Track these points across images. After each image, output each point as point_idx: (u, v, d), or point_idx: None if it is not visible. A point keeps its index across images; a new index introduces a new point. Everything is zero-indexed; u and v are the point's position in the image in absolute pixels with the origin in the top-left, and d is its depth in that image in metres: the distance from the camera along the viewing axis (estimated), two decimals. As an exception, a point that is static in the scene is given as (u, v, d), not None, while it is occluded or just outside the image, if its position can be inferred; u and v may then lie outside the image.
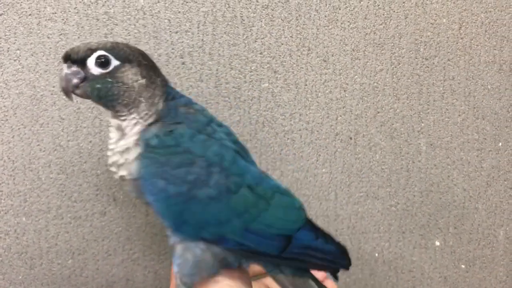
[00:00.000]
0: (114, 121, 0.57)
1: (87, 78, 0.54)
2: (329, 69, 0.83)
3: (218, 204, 0.53)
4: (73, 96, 0.56)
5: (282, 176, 0.84)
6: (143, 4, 0.76)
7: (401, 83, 0.86)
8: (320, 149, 0.85)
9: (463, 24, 0.88)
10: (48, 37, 0.74)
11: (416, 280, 0.91)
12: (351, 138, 0.86)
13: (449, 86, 0.88)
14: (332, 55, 0.83)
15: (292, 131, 0.84)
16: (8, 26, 0.73)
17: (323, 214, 0.86)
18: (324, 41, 0.83)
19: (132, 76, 0.55)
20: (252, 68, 0.81)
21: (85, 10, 0.75)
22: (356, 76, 0.85)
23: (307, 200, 0.85)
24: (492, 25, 0.89)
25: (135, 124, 0.55)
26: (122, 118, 0.56)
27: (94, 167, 0.77)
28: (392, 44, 0.85)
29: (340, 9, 0.83)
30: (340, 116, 0.85)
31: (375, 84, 0.85)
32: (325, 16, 0.82)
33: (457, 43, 0.88)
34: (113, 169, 0.56)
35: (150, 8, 0.77)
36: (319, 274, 0.65)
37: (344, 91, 0.84)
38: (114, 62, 0.54)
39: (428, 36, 0.86)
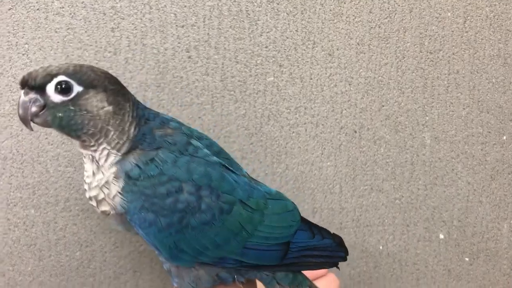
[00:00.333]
0: (85, 152, 0.53)
1: (47, 105, 0.50)
2: (334, 63, 0.84)
3: (213, 228, 0.52)
4: (33, 125, 0.51)
5: (287, 169, 0.85)
6: (149, -2, 0.77)
7: (406, 77, 0.87)
8: (325, 142, 0.85)
9: (468, 18, 0.88)
10: (56, 32, 0.75)
11: (420, 273, 0.92)
12: (355, 132, 0.86)
13: (453, 80, 0.88)
14: (337, 49, 0.84)
15: (297, 124, 0.84)
16: (16, 21, 0.73)
17: (328, 207, 0.87)
18: (329, 35, 0.83)
19: (97, 103, 0.50)
20: (258, 62, 0.81)
21: (92, 5, 0.75)
22: (361, 70, 0.85)
23: (312, 193, 0.86)
24: (497, 19, 0.89)
25: (108, 155, 0.52)
26: (92, 148, 0.52)
27: (102, 160, 0.78)
28: (397, 38, 0.86)
29: (345, 3, 0.83)
30: (345, 109, 0.85)
31: (380, 78, 0.86)
32: (330, 10, 0.83)
33: (461, 37, 0.88)
34: (92, 203, 0.53)
35: (157, 2, 0.77)
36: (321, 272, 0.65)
37: (349, 84, 0.85)
38: (77, 88, 0.50)
39: (433, 30, 0.87)
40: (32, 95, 0.50)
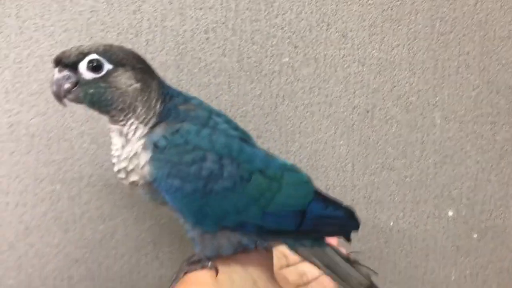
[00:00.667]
0: (114, 127, 0.56)
1: (79, 82, 0.53)
2: (347, 44, 0.86)
3: (234, 194, 0.55)
4: (66, 101, 0.54)
5: (301, 148, 0.88)
6: (169, -19, 0.80)
7: (417, 58, 0.89)
8: (338, 121, 0.88)
9: None
10: (80, 14, 0.78)
11: (429, 249, 0.95)
12: (368, 111, 0.89)
13: (464, 61, 0.90)
14: (351, 31, 0.86)
15: (311, 104, 0.87)
16: (43, 4, 0.76)
17: (340, 184, 0.90)
18: (343, 17, 0.85)
19: (125, 80, 0.53)
20: (273, 43, 0.84)
21: (115, -12, 0.78)
22: (374, 51, 0.87)
23: (325, 171, 0.89)
24: (508, 1, 0.90)
25: (136, 129, 0.55)
26: (121, 123, 0.55)
27: (124, 138, 0.81)
28: (409, 20, 0.88)
29: (358, -15, 0.85)
30: (358, 90, 0.88)
31: (392, 59, 0.88)
32: (344, -7, 0.85)
33: (472, 18, 0.90)
34: (121, 175, 0.56)
35: (176, -15, 0.80)
36: (332, 241, 0.68)
37: (362, 65, 0.87)
38: (107, 66, 0.53)
39: (444, 12, 0.88)
40: (66, 72, 0.53)
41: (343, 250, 0.68)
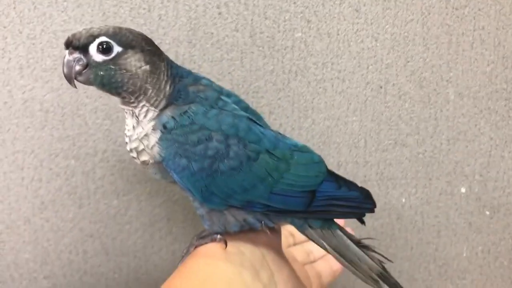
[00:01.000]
0: (126, 108, 0.57)
1: (89, 65, 0.53)
2: (360, 19, 0.85)
3: (241, 173, 0.55)
4: (76, 82, 0.55)
5: (314, 124, 0.88)
6: (181, -45, 0.79)
7: (431, 33, 0.88)
8: (351, 97, 0.88)
9: (495, -27, 0.88)
10: (92, -11, 0.78)
11: (441, 225, 0.95)
12: (381, 87, 0.88)
13: (478, 36, 0.89)
14: (364, 5, 0.85)
15: (324, 80, 0.87)
16: (55, -22, 0.76)
17: (353, 160, 0.90)
18: (356, -9, 0.85)
19: (135, 62, 0.54)
20: (286, 18, 0.83)
21: (127, -38, 0.78)
22: (387, 26, 0.86)
23: (337, 147, 0.89)
24: (524, -26, 0.89)
25: (147, 111, 0.55)
26: (132, 105, 0.56)
27: (137, 113, 0.82)
28: (423, -6, 0.87)
29: (372, -41, 0.84)
30: (371, 65, 0.87)
31: (406, 34, 0.87)
32: (358, -34, 0.84)
33: (488, -8, 0.88)
34: (133, 154, 0.57)
35: (188, -41, 0.79)
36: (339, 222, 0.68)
37: (375, 40, 0.87)
38: (117, 49, 0.53)
39: (459, -15, 0.87)
40: (76, 54, 0.53)
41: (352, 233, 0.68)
